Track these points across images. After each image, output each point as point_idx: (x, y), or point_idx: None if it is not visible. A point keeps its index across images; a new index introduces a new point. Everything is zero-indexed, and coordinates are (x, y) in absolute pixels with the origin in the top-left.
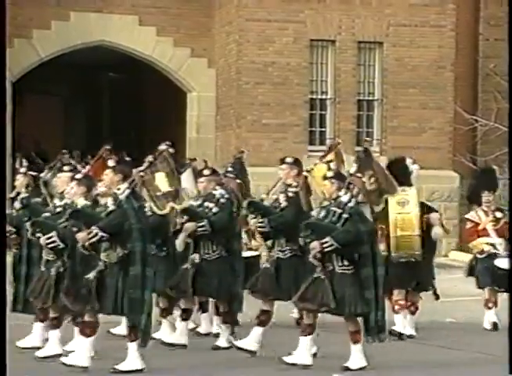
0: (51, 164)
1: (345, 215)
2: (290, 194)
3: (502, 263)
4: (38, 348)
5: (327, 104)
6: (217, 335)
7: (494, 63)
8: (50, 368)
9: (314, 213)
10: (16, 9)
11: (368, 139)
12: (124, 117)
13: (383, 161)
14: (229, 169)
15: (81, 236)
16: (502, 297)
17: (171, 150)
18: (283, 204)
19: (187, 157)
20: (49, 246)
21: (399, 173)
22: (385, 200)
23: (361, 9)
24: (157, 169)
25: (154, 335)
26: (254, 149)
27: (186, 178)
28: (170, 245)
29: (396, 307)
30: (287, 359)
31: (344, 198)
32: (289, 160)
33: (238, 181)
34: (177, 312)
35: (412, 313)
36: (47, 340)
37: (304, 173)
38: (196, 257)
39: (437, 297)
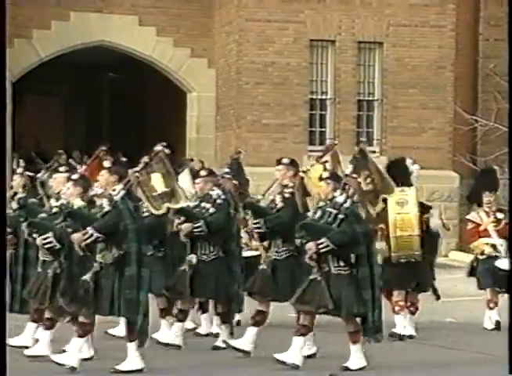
0: (48, 164)
1: (341, 216)
2: (287, 195)
3: (502, 264)
4: (27, 347)
5: (327, 104)
6: (217, 335)
7: (494, 64)
8: (50, 368)
9: (310, 214)
10: (16, 9)
11: (364, 139)
12: (124, 117)
13: (383, 161)
14: (226, 170)
15: (76, 237)
16: (504, 297)
17: (166, 151)
18: (280, 204)
19: (185, 157)
20: (46, 246)
21: (399, 173)
22: (384, 200)
23: (361, 9)
24: (153, 170)
25: (154, 335)
26: (254, 149)
27: (183, 178)
28: (167, 245)
29: (396, 308)
30: (278, 356)
31: (340, 199)
32: (285, 160)
33: (234, 181)
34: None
35: (412, 313)
36: (37, 341)
37: (301, 174)
38: (193, 258)
39: (437, 297)
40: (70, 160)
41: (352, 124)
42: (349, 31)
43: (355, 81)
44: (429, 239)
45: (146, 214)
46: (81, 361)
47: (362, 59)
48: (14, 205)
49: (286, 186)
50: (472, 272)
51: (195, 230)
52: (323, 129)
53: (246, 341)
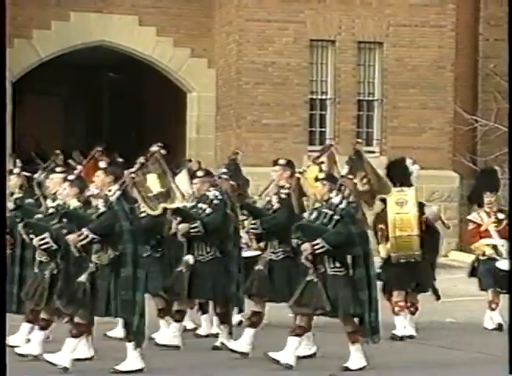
0: (44, 164)
1: (336, 217)
2: (283, 196)
3: (503, 265)
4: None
5: (327, 104)
6: (217, 336)
7: (494, 64)
8: (50, 369)
9: (306, 215)
10: (16, 9)
11: (360, 140)
12: (124, 117)
13: (383, 162)
14: (223, 170)
15: (71, 238)
16: (504, 297)
17: (162, 152)
18: (276, 205)
19: (185, 158)
20: (42, 247)
21: (399, 174)
22: (384, 200)
23: (361, 9)
24: (149, 170)
25: (153, 335)
26: (254, 149)
27: (181, 179)
28: (165, 246)
29: (396, 309)
30: (272, 354)
31: (336, 200)
32: (282, 161)
33: (231, 182)
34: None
35: (412, 314)
36: (29, 340)
37: (297, 174)
38: (189, 258)
39: (438, 297)
40: (70, 161)
41: (352, 124)
42: (349, 31)
43: (355, 81)
44: (429, 239)
45: (143, 214)
46: (73, 361)
47: (362, 59)
48: (11, 205)
49: (282, 187)
50: (473, 272)
51: (192, 231)
52: (323, 129)
53: (243, 342)
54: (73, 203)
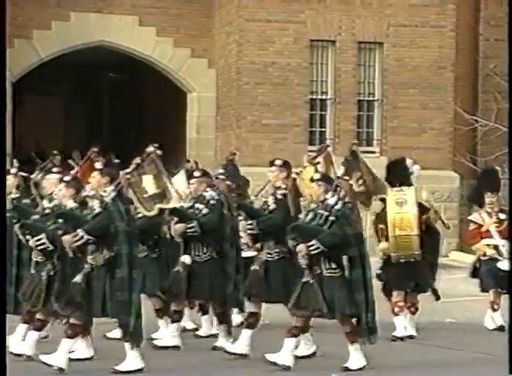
0: (41, 165)
1: (332, 218)
2: (279, 196)
3: (504, 265)
4: None
5: (327, 104)
6: (217, 336)
7: (494, 64)
8: (49, 369)
9: (301, 216)
10: (16, 9)
11: (355, 141)
12: (124, 118)
13: (383, 162)
14: (220, 171)
15: (66, 238)
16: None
17: (158, 152)
18: (272, 206)
19: (185, 158)
20: (39, 248)
21: (399, 174)
22: (383, 200)
23: (361, 10)
24: (145, 171)
25: (153, 335)
26: (255, 149)
27: (179, 179)
28: (162, 246)
29: (396, 309)
30: (269, 356)
31: (331, 201)
32: (278, 162)
33: (228, 182)
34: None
35: (413, 313)
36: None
37: (294, 175)
38: (186, 258)
39: (437, 298)
40: (70, 161)
41: (352, 125)
42: (349, 31)
43: (356, 81)
44: (429, 239)
45: (139, 215)
46: (69, 361)
47: (362, 60)
48: (7, 205)
49: (278, 188)
50: (475, 273)
51: (188, 231)
52: (323, 129)
53: (241, 344)
54: (70, 204)
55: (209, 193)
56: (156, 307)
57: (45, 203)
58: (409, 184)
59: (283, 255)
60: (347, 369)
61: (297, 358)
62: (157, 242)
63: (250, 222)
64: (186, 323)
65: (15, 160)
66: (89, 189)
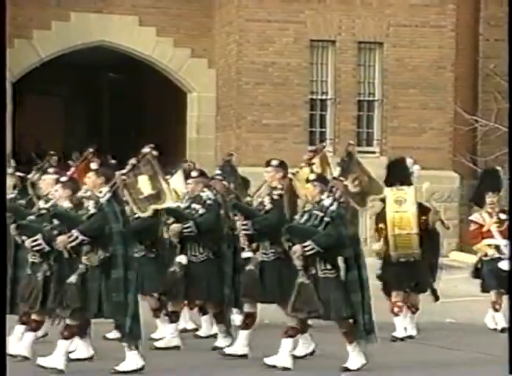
0: (38, 165)
1: (327, 219)
2: (275, 197)
3: (506, 266)
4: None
5: (327, 104)
6: (217, 336)
7: (494, 64)
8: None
9: (297, 217)
10: (16, 9)
11: (351, 141)
12: (124, 118)
13: (383, 162)
14: (218, 171)
15: (61, 239)
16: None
17: (154, 153)
18: (268, 206)
19: (185, 158)
20: (35, 249)
21: (399, 173)
22: (383, 199)
23: (361, 10)
24: (140, 172)
25: (153, 336)
26: (255, 149)
27: (177, 179)
28: (159, 246)
29: (395, 309)
30: (268, 360)
31: (327, 202)
32: (274, 162)
33: (225, 183)
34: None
35: (413, 313)
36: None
37: (290, 175)
38: (182, 258)
39: (436, 298)
40: (70, 162)
41: (352, 125)
42: (349, 31)
43: (356, 81)
44: (429, 240)
45: (136, 215)
46: (69, 362)
47: (362, 60)
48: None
49: (275, 188)
50: (476, 273)
51: (184, 231)
52: (323, 129)
53: (240, 344)
54: (66, 204)
55: (206, 194)
56: (153, 307)
57: (41, 203)
58: (409, 184)
59: (278, 256)
60: (346, 369)
61: (296, 358)
62: (155, 242)
63: (245, 222)
64: (187, 323)
65: (12, 160)
66: (85, 190)
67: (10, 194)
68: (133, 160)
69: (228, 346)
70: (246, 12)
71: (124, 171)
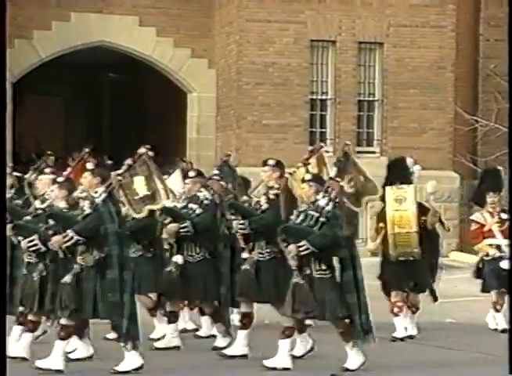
0: (35, 165)
1: (322, 219)
2: (272, 196)
3: (507, 265)
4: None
5: (328, 105)
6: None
7: (494, 64)
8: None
9: (293, 217)
10: (16, 9)
11: (348, 142)
12: (124, 118)
13: (383, 162)
14: (215, 172)
15: (56, 239)
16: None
17: (150, 154)
18: (264, 206)
19: (184, 158)
20: (31, 249)
21: (399, 173)
22: (383, 198)
23: (361, 10)
24: (136, 172)
25: (152, 336)
26: (255, 149)
27: (174, 178)
28: (157, 246)
29: (395, 309)
30: (268, 363)
31: (322, 202)
32: (271, 162)
33: (222, 183)
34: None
35: (413, 313)
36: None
37: (287, 175)
38: (178, 258)
39: (435, 299)
40: (70, 162)
41: (353, 125)
42: (349, 32)
43: (356, 81)
44: (429, 240)
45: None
46: (67, 362)
47: (362, 60)
48: None
49: (271, 188)
50: (478, 273)
51: (181, 230)
52: (324, 130)
53: (239, 345)
54: (62, 205)
55: (203, 194)
56: (148, 306)
57: (38, 203)
58: (410, 183)
59: (274, 255)
60: (347, 369)
61: (295, 358)
62: (153, 242)
63: (241, 221)
64: (187, 323)
65: (8, 160)
66: (81, 190)
67: (7, 194)
68: (129, 161)
69: (227, 347)
70: (247, 13)
71: (119, 171)
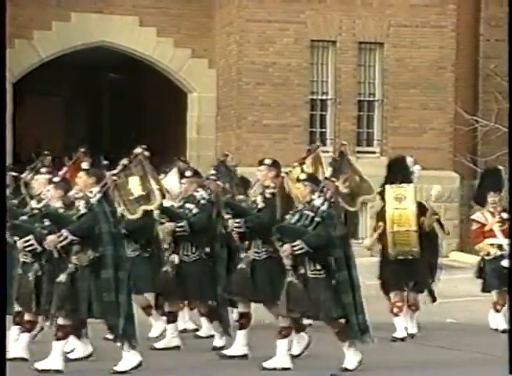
0: (32, 165)
1: (317, 219)
2: (268, 196)
3: (508, 264)
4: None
5: (328, 105)
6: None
7: (494, 64)
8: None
9: (288, 216)
10: (16, 9)
11: (344, 142)
12: (124, 118)
13: (383, 162)
14: (212, 171)
15: (50, 238)
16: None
17: (146, 154)
18: (260, 205)
19: (183, 157)
20: (27, 249)
21: (399, 172)
22: (383, 197)
23: (361, 10)
24: (131, 173)
25: (150, 335)
26: (255, 149)
27: (171, 178)
28: (155, 246)
29: (395, 309)
30: (267, 364)
31: (317, 202)
32: (267, 161)
33: (219, 183)
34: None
35: (413, 312)
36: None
37: (283, 174)
38: (175, 258)
39: (433, 299)
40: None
41: (353, 125)
42: (350, 32)
43: (356, 81)
44: (428, 240)
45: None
46: (67, 362)
47: (362, 60)
48: None
49: (267, 187)
50: (480, 273)
51: (178, 230)
52: (324, 130)
53: (238, 345)
54: (57, 205)
55: (199, 193)
56: (142, 305)
57: (34, 203)
58: (410, 182)
59: (270, 254)
60: (346, 369)
61: (293, 357)
62: (150, 241)
63: (237, 220)
64: (187, 323)
65: (8, 160)
66: (76, 190)
67: None
68: (124, 161)
69: (225, 346)
70: (247, 13)
71: (115, 171)
